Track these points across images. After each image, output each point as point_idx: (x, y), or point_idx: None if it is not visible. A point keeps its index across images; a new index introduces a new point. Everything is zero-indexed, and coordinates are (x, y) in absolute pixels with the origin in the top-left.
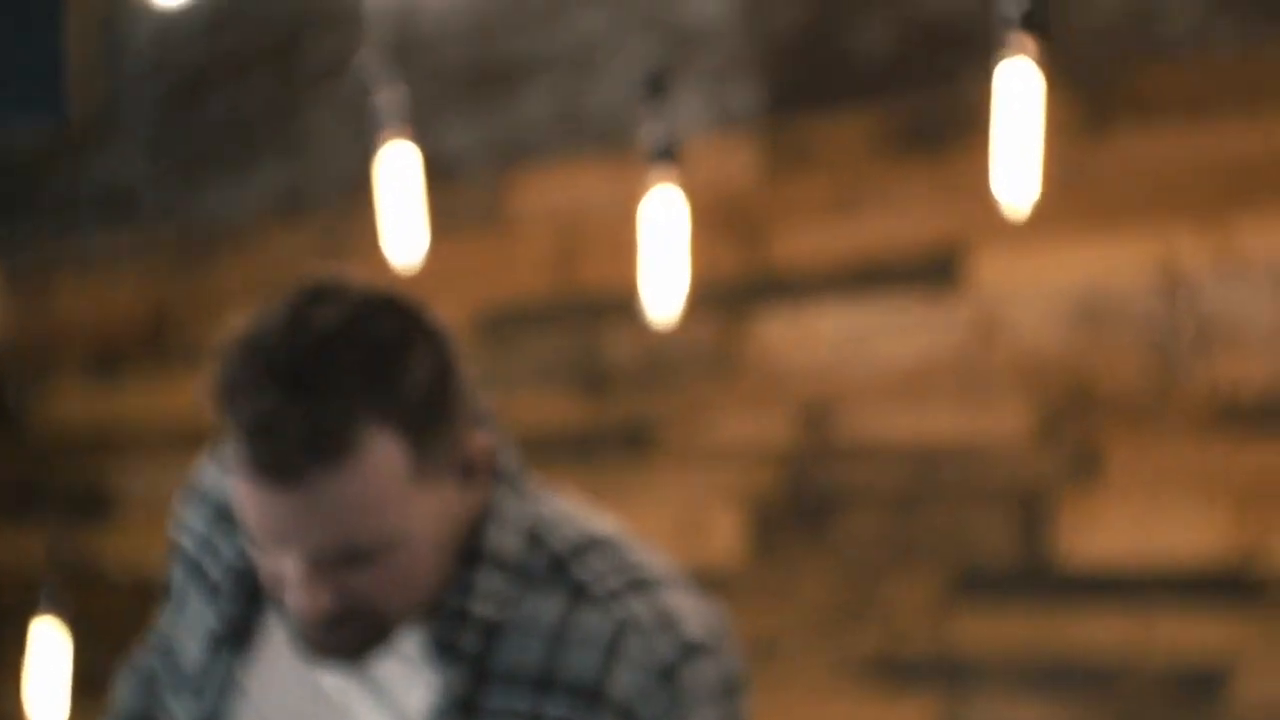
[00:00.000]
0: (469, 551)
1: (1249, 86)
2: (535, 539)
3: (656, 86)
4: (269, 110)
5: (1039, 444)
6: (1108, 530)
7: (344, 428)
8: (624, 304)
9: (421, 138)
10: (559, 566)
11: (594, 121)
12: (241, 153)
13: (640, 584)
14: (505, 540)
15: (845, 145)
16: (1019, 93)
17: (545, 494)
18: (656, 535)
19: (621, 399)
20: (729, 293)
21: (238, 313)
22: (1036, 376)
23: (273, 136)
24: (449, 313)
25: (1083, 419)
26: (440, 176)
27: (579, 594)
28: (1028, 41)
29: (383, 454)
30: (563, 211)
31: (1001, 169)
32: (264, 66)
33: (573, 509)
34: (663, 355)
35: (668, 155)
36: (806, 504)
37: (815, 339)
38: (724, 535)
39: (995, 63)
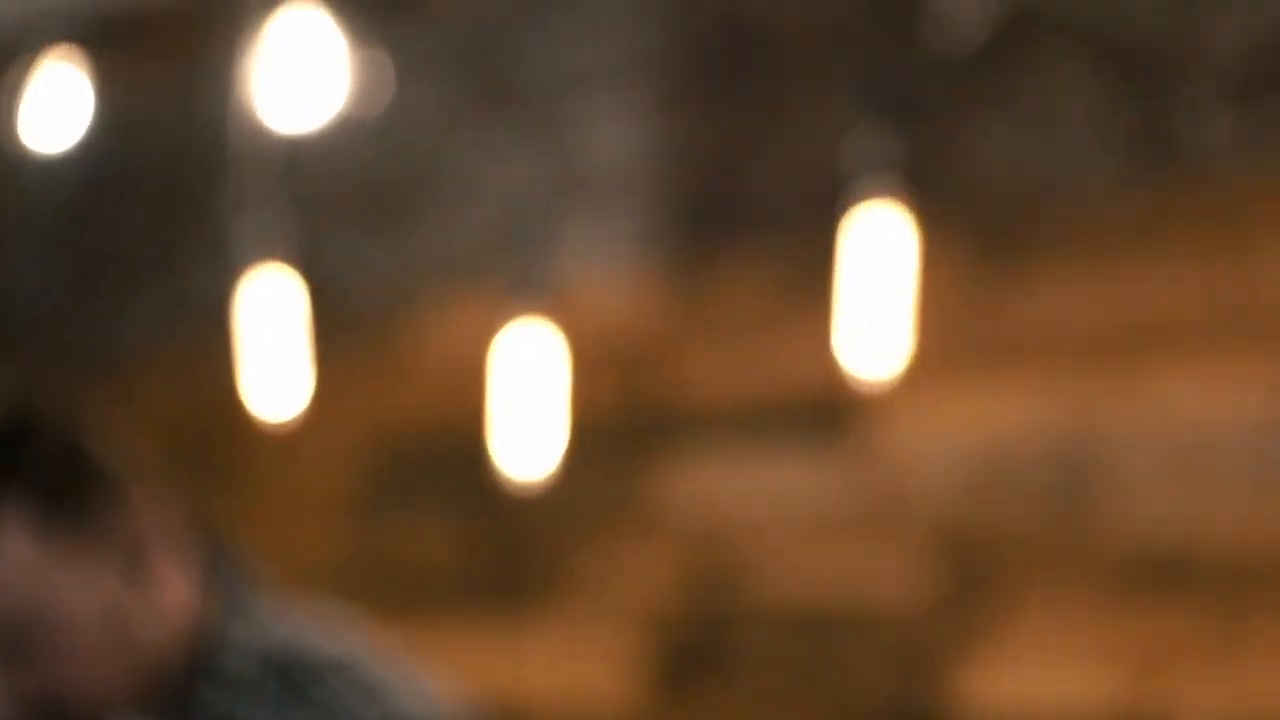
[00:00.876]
0: (195, 669)
1: (1155, 234)
2: (269, 661)
3: (536, 218)
4: (149, 240)
5: (936, 601)
6: (1005, 689)
7: None
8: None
9: (306, 265)
10: (294, 688)
11: (479, 253)
12: (122, 283)
13: (378, 701)
14: (233, 661)
15: (741, 286)
16: (886, 241)
17: (289, 617)
18: (535, 692)
19: (502, 546)
20: (614, 437)
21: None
22: (934, 530)
23: (152, 267)
24: (337, 441)
25: (982, 575)
26: (327, 305)
27: (315, 712)
28: (895, 187)
29: (7, 532)
30: (451, 344)
31: (852, 322)
32: (146, 196)
33: (317, 631)
34: (543, 503)
35: (539, 289)
36: (691, 665)
37: (705, 489)
38: (604, 695)
39: (846, 212)
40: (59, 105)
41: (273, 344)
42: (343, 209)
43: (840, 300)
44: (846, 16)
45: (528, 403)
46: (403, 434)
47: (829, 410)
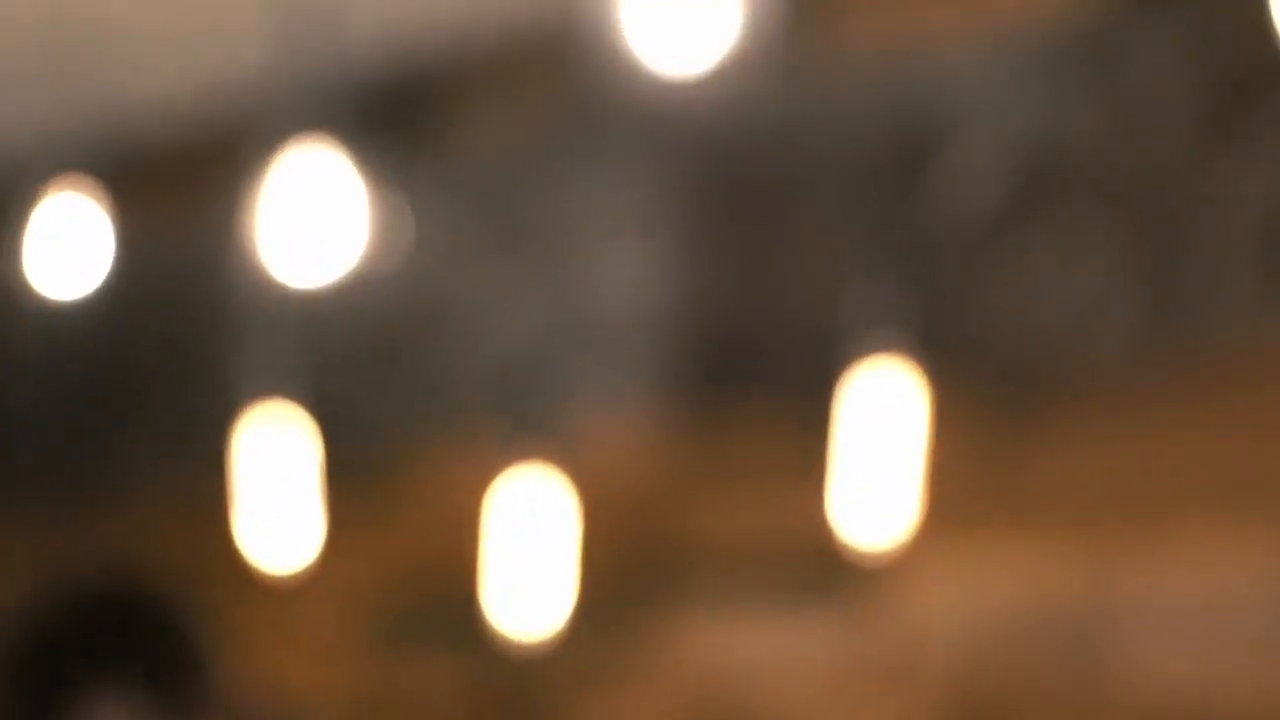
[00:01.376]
0: None
1: (1172, 394)
2: None
3: (542, 362)
4: (154, 379)
5: None
6: None
7: None
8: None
9: (313, 405)
10: None
11: (485, 395)
12: (124, 422)
13: None
14: None
15: (751, 436)
16: (894, 396)
17: None
18: None
19: (505, 694)
20: (618, 587)
21: None
22: (949, 689)
23: (156, 406)
24: (337, 585)
25: None
26: (329, 445)
27: None
28: (904, 342)
29: None
30: (455, 488)
31: (853, 482)
32: (151, 334)
33: None
34: (546, 653)
35: (544, 434)
36: None
37: (713, 641)
38: None
39: (852, 366)
40: (73, 243)
41: (279, 489)
42: (347, 347)
43: (840, 459)
44: (860, 170)
45: (530, 552)
46: (405, 580)
47: (841, 566)
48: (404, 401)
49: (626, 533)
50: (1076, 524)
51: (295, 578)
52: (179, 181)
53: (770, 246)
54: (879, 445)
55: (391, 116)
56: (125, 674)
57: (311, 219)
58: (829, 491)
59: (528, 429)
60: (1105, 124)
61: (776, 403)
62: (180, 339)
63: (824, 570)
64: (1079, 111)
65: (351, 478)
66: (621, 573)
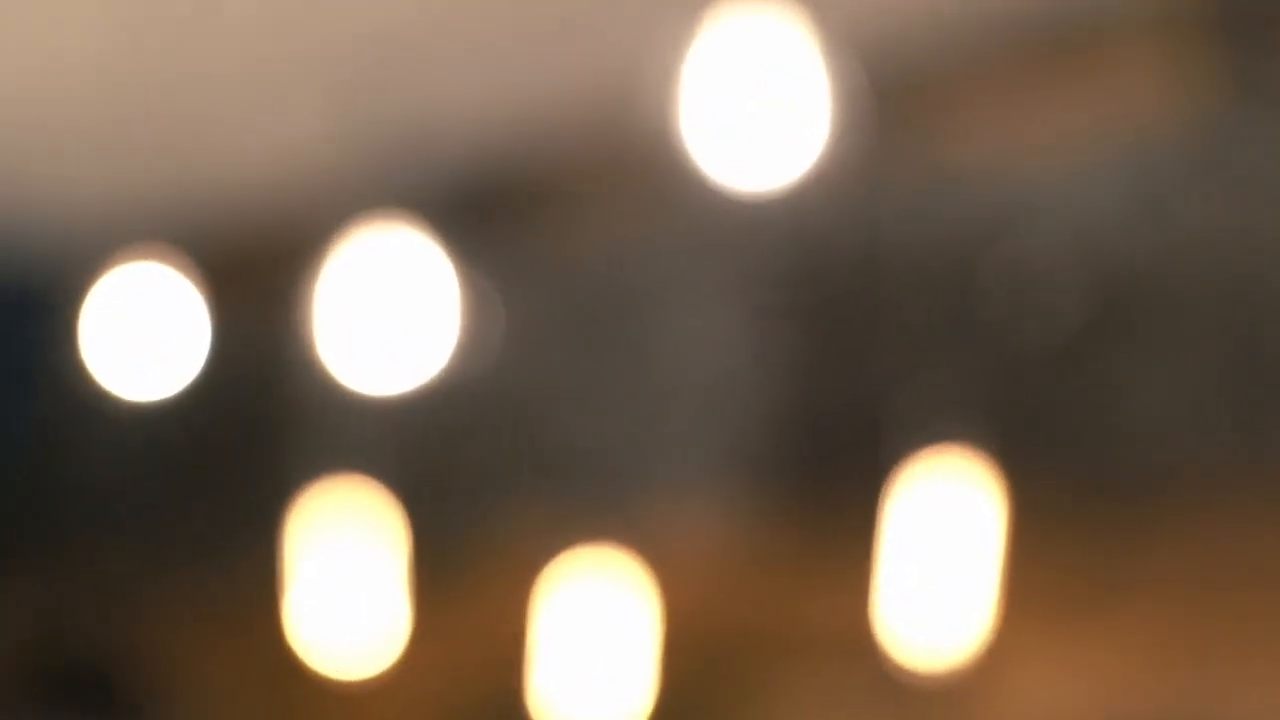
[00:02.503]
0: None
1: (1269, 487)
2: None
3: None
4: (238, 460)
5: None
6: None
7: None
8: None
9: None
10: None
11: (566, 481)
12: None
13: None
14: None
15: (836, 533)
16: (967, 499)
17: None
18: None
19: None
20: (699, 683)
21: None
22: None
23: (239, 492)
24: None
25: None
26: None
27: None
28: (980, 442)
29: None
30: (532, 579)
31: (921, 584)
32: (223, 430)
33: None
34: None
35: (623, 522)
36: None
37: None
38: None
39: (920, 465)
40: (168, 328)
41: (361, 586)
42: (430, 433)
43: (914, 558)
44: (948, 272)
45: (607, 647)
46: (481, 674)
47: (917, 669)
48: (486, 490)
49: (704, 626)
50: (1164, 623)
51: (367, 681)
52: (265, 267)
53: (856, 344)
54: (955, 544)
55: (480, 210)
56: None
57: (399, 309)
58: (902, 590)
59: (607, 517)
60: (1201, 227)
61: (858, 498)
62: (262, 423)
63: (901, 671)
64: (1175, 214)
65: (430, 568)
66: (700, 667)
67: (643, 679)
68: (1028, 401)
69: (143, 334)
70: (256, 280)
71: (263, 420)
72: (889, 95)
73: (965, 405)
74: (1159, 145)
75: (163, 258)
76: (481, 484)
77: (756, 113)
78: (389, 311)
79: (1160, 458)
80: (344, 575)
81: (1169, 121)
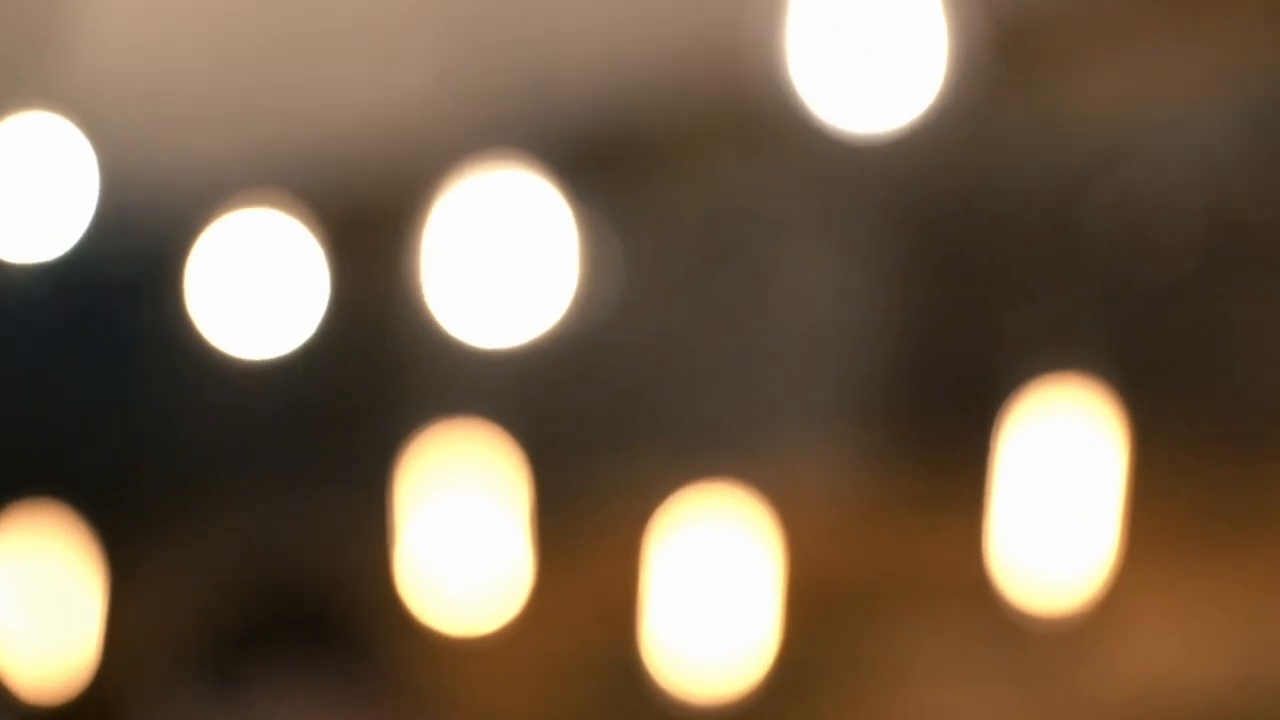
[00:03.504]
0: None
1: None
2: None
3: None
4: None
5: None
6: None
7: None
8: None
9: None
10: None
11: (688, 419)
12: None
13: None
14: None
15: (957, 472)
16: (1085, 432)
17: None
18: None
19: None
20: (820, 626)
21: None
22: None
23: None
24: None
25: None
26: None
27: None
28: (1097, 373)
29: None
30: (653, 523)
31: (1038, 525)
32: (358, 362)
33: None
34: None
35: (742, 460)
36: None
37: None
38: None
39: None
40: (288, 279)
41: (482, 536)
42: (552, 374)
43: (1031, 495)
44: (1061, 218)
45: (722, 597)
46: (606, 632)
47: (1035, 615)
48: (605, 437)
49: (823, 572)
50: None
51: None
52: (381, 217)
53: (970, 285)
54: (1074, 479)
55: (595, 156)
56: (306, 661)
57: (515, 256)
58: (1020, 530)
59: (725, 462)
60: None
61: (975, 439)
62: (377, 374)
63: (1022, 615)
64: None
65: (550, 515)
66: (819, 613)
67: (762, 625)
68: (1145, 335)
69: (260, 284)
70: (372, 231)
71: (378, 371)
72: (1002, 37)
73: (1080, 339)
74: (1276, 88)
75: (278, 206)
76: (600, 430)
77: (868, 53)
78: (505, 258)
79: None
80: (463, 524)
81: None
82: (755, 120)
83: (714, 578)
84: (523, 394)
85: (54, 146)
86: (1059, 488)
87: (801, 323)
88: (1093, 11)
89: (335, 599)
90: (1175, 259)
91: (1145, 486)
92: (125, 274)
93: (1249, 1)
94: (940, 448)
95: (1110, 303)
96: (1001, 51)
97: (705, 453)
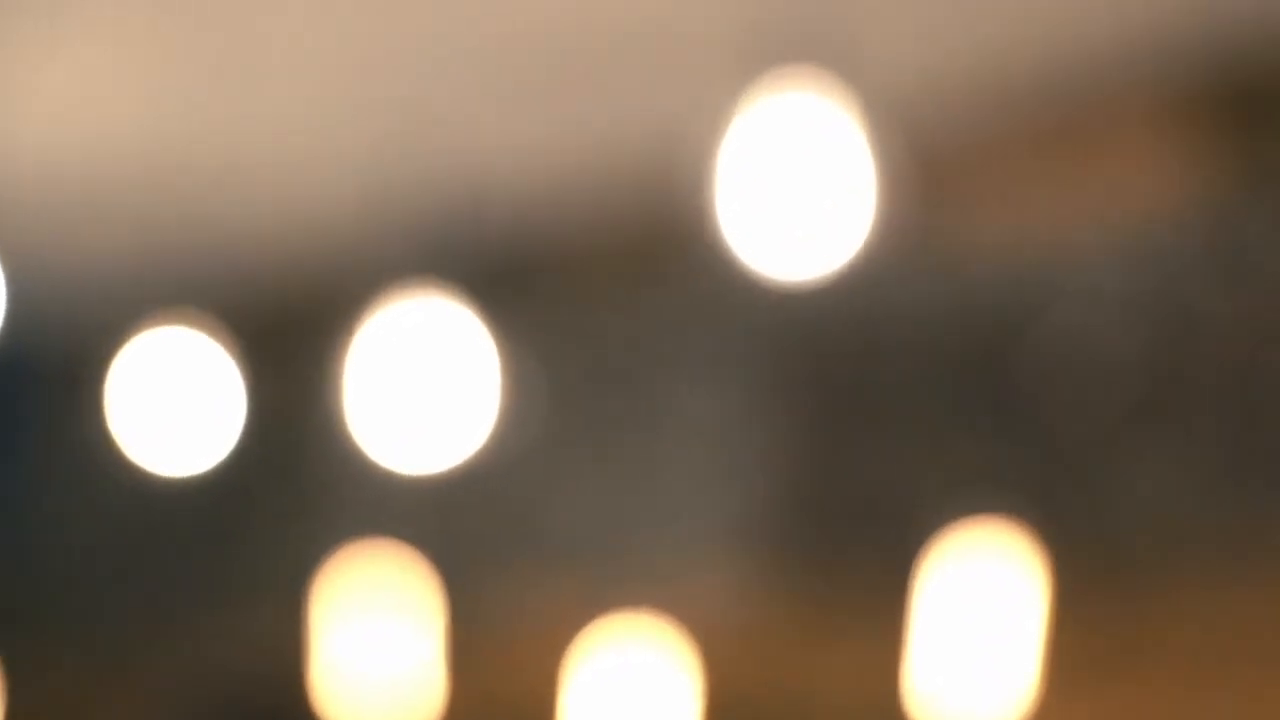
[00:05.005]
0: None
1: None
2: None
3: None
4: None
5: None
6: None
7: None
8: None
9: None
10: None
11: (579, 540)
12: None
13: None
14: None
15: (856, 603)
16: (997, 569)
17: None
18: None
19: None
20: None
21: None
22: None
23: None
24: None
25: None
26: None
27: None
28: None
29: None
30: (547, 635)
31: (953, 654)
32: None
33: None
34: None
35: (643, 589)
36: None
37: None
38: None
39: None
40: (202, 393)
41: (395, 654)
42: (452, 494)
43: (943, 627)
44: (975, 352)
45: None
46: None
47: None
48: (512, 558)
49: (724, 695)
50: (1179, 692)
51: None
52: (296, 335)
53: (877, 422)
54: (981, 614)
55: (508, 279)
56: None
57: (439, 378)
58: (931, 658)
59: (635, 586)
60: (1224, 310)
61: (880, 567)
62: (292, 492)
63: None
64: (1199, 298)
65: (461, 636)
66: None
67: None
68: (1054, 476)
69: (174, 402)
70: (288, 349)
71: (295, 490)
72: (903, 178)
73: (994, 480)
74: (1168, 228)
75: (198, 323)
76: (512, 552)
77: (787, 197)
78: (423, 382)
79: (1173, 533)
80: (378, 641)
81: (1177, 204)
82: (673, 251)
83: (621, 695)
84: (437, 516)
85: None
86: (964, 619)
87: (713, 451)
88: (984, 153)
89: (248, 711)
90: (1088, 402)
91: (1057, 623)
92: (40, 387)
93: (1140, 139)
94: (843, 575)
95: (1023, 444)
96: (918, 197)
97: (617, 576)
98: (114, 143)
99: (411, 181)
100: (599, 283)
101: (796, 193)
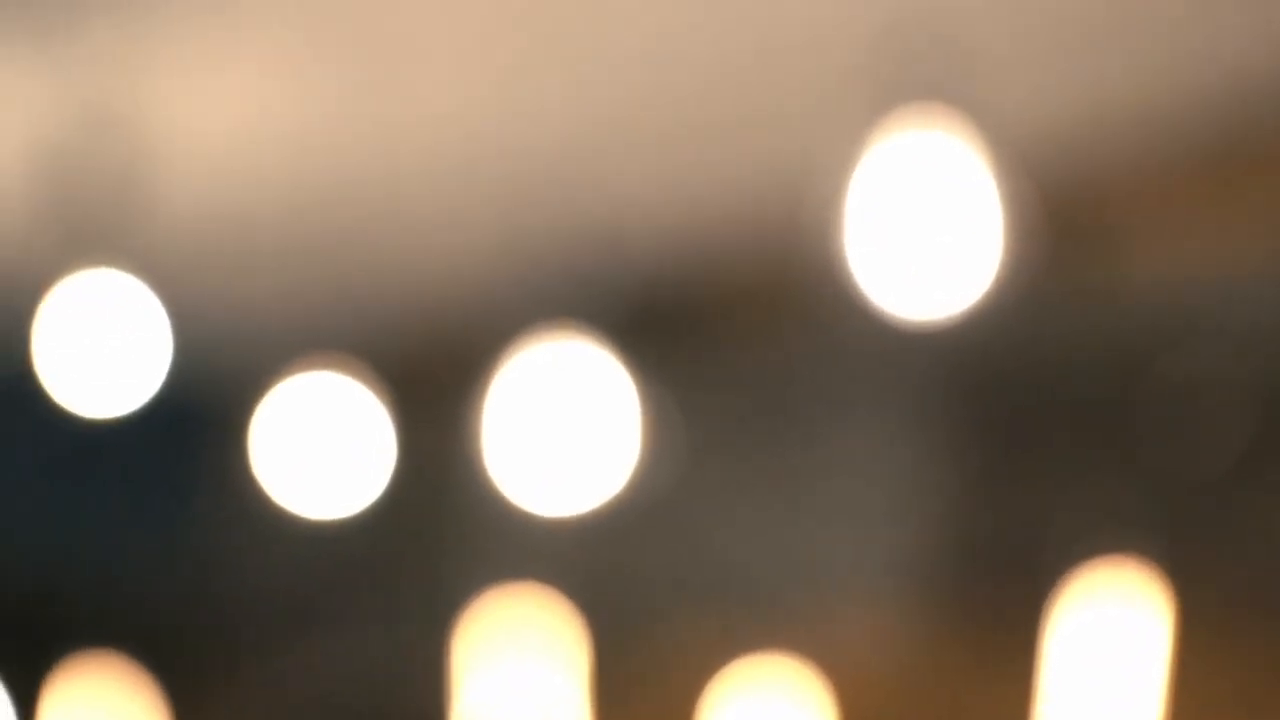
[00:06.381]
0: None
1: None
2: None
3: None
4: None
5: None
6: None
7: None
8: None
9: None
10: None
11: (743, 585)
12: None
13: None
14: None
15: (1009, 636)
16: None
17: None
18: None
19: None
20: None
21: None
22: None
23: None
24: None
25: None
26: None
27: None
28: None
29: None
30: (703, 680)
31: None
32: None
33: None
34: None
35: (796, 627)
36: None
37: None
38: None
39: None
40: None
41: (540, 699)
42: (597, 536)
43: (1077, 666)
44: (1112, 391)
45: None
46: None
47: None
48: (661, 600)
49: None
50: None
51: None
52: (439, 380)
53: (1022, 458)
54: (1120, 655)
55: (652, 322)
56: None
57: (581, 420)
58: (1066, 701)
59: (779, 627)
60: None
61: (1024, 610)
62: (435, 536)
63: None
64: None
65: (606, 678)
66: None
67: None
68: (1192, 516)
69: (325, 445)
70: (430, 393)
71: (436, 533)
72: (1051, 211)
73: (1128, 519)
74: None
75: (343, 367)
76: (656, 595)
77: (921, 239)
78: (565, 425)
79: None
80: (521, 685)
81: None
82: (812, 295)
83: None
84: (581, 559)
85: (126, 304)
86: (1104, 662)
87: (858, 493)
88: (1137, 183)
89: None
90: (1224, 440)
91: (1185, 661)
92: (195, 429)
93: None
94: (990, 619)
95: (1158, 483)
96: (1051, 235)
97: (760, 618)
98: (264, 188)
99: (552, 224)
100: (737, 323)
101: (926, 231)
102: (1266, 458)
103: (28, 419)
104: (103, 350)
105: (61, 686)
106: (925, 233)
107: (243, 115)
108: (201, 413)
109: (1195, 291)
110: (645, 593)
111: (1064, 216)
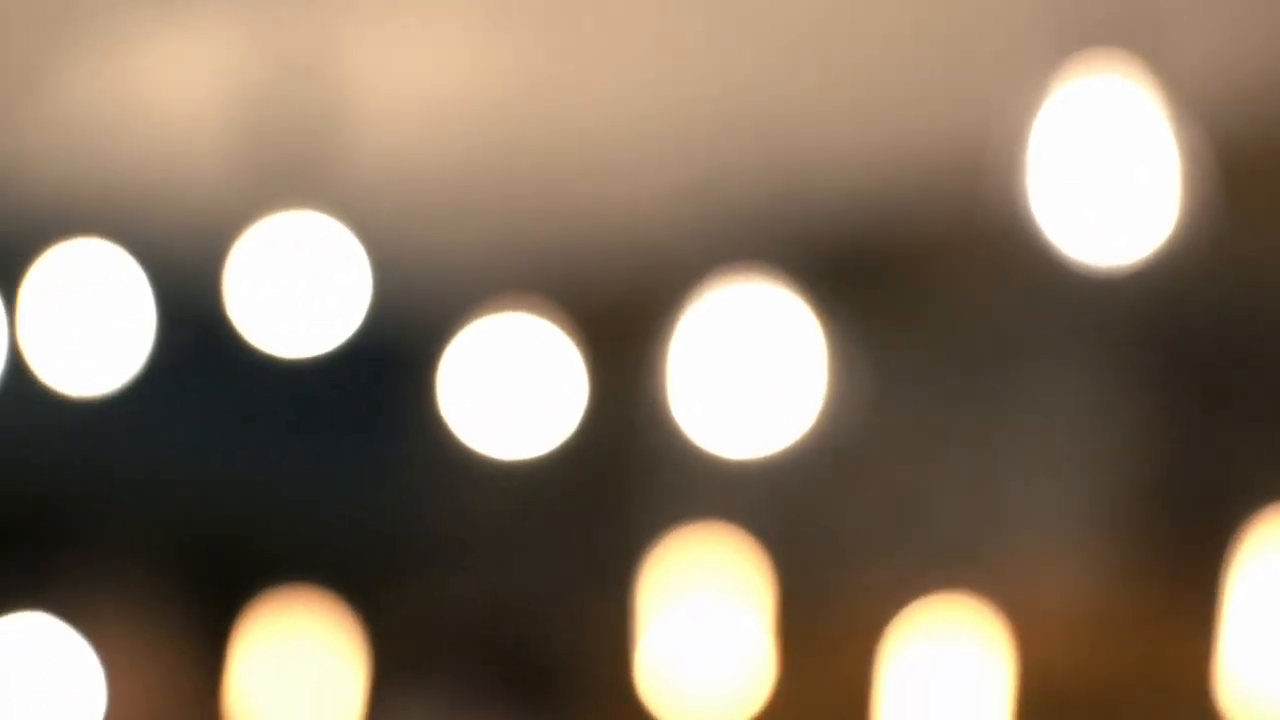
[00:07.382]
0: None
1: None
2: None
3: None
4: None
5: None
6: None
7: None
8: None
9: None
10: None
11: (931, 527)
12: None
13: None
14: None
15: (1208, 590)
16: None
17: None
18: None
19: None
20: None
21: None
22: None
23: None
24: None
25: None
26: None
27: None
28: None
29: None
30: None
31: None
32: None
33: None
34: None
35: (981, 569)
36: None
37: None
38: None
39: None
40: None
41: (724, 636)
42: (789, 479)
43: (1244, 619)
44: None
45: (957, 703)
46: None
47: None
48: (847, 541)
49: (1057, 680)
50: None
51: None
52: (626, 323)
53: (1211, 405)
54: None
55: (839, 268)
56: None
57: (767, 364)
58: (1251, 645)
59: (965, 569)
60: None
61: (1213, 554)
62: (623, 476)
63: None
64: None
65: (790, 617)
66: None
67: None
68: None
69: (515, 386)
70: (619, 336)
71: (627, 475)
72: (1237, 158)
73: None
74: None
75: (534, 309)
76: (842, 536)
77: (1105, 186)
78: (751, 368)
79: None
80: (707, 623)
81: None
82: (997, 240)
83: (949, 684)
84: (768, 500)
85: (325, 246)
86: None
87: (1043, 437)
88: None
89: (573, 681)
90: None
91: None
92: (389, 371)
93: None
94: (1177, 563)
95: None
96: (1235, 171)
97: (945, 561)
98: (460, 138)
99: (741, 170)
100: (926, 269)
101: (1106, 178)
102: None
103: (227, 360)
104: (302, 292)
105: (260, 619)
106: (1108, 179)
107: (441, 66)
108: (396, 355)
109: None
110: (830, 534)
111: (1246, 160)
